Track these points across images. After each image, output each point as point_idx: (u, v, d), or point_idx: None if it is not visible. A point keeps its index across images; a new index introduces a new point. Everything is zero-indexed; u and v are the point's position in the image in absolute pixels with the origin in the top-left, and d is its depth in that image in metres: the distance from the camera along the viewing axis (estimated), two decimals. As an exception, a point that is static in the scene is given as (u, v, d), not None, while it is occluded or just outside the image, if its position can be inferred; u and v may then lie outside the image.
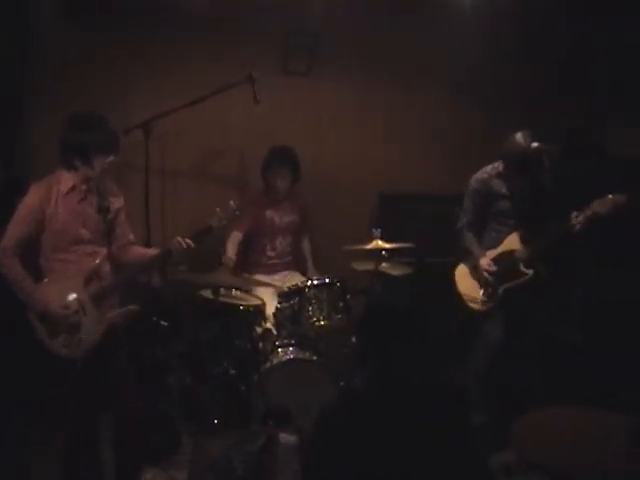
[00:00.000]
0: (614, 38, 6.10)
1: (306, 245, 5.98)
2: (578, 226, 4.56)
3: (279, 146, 5.63)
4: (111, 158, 3.97)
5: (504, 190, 4.84)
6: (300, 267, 5.85)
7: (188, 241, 4.11)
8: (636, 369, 4.92)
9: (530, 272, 4.77)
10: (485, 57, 6.27)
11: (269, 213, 5.66)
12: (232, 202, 4.28)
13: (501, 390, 4.94)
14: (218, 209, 4.22)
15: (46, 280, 3.94)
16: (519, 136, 4.66)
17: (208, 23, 5.89)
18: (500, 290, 4.83)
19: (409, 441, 2.58)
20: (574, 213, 4.58)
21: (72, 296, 3.92)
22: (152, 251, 4.34)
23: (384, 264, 5.20)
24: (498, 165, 4.89)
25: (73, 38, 5.66)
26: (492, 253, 4.90)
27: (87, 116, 3.97)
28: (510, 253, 4.82)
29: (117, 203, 4.18)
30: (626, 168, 5.71)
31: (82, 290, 3.94)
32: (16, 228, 3.88)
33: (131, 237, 4.32)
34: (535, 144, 4.59)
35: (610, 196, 4.51)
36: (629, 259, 5.46)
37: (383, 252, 5.11)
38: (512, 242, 4.84)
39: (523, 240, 4.80)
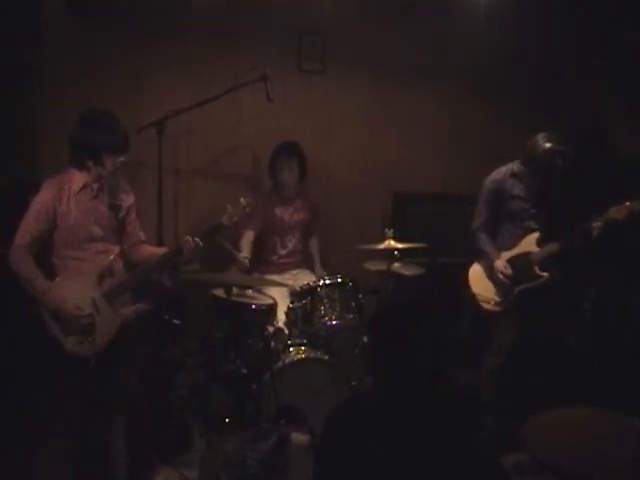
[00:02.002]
0: (614, 38, 6.14)
1: (314, 244, 6.00)
2: (595, 233, 4.56)
3: (285, 142, 5.66)
4: (122, 157, 3.99)
5: (517, 191, 4.83)
6: (309, 265, 5.87)
7: (197, 240, 4.10)
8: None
9: (545, 275, 4.76)
10: (488, 57, 6.33)
11: (279, 211, 5.68)
12: (242, 199, 4.27)
13: (512, 391, 4.94)
14: (229, 206, 4.22)
15: (59, 278, 3.93)
16: (540, 138, 4.66)
17: (221, 22, 5.92)
18: (515, 291, 4.83)
19: (420, 441, 2.57)
20: (592, 220, 4.58)
21: (86, 295, 3.92)
22: (163, 250, 4.33)
23: (396, 264, 5.24)
24: (512, 166, 4.88)
25: (77, 37, 5.67)
26: (507, 254, 4.88)
27: (98, 115, 3.97)
28: (526, 255, 4.81)
29: (128, 201, 4.20)
30: (626, 169, 5.75)
31: (95, 288, 3.96)
32: (28, 226, 3.87)
33: (141, 235, 4.32)
34: (548, 145, 4.60)
35: (627, 203, 4.51)
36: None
37: (395, 252, 5.15)
38: (528, 244, 4.82)
39: (539, 242, 4.80)
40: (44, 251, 3.95)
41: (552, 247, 4.74)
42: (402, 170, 6.49)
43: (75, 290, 3.92)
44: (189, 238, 4.10)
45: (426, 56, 6.34)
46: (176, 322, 5.09)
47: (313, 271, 5.79)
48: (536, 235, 4.82)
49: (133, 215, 4.25)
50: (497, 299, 4.90)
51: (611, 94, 6.22)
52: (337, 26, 6.17)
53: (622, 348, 5.24)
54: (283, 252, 5.71)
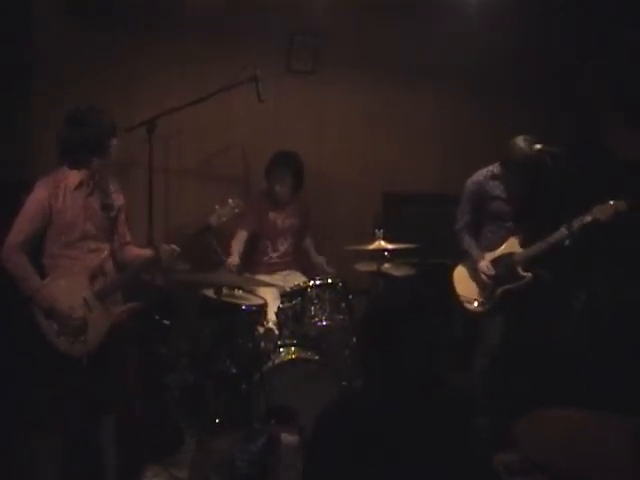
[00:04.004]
0: (614, 38, 6.12)
1: (308, 242, 5.98)
2: (578, 232, 4.55)
3: (283, 151, 5.65)
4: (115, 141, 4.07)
5: (498, 192, 4.85)
6: (302, 265, 5.86)
7: (173, 247, 4.15)
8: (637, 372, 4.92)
9: (528, 275, 4.76)
10: (488, 57, 6.33)
11: (272, 215, 5.69)
12: (231, 200, 4.30)
13: (502, 392, 4.93)
14: (217, 206, 4.25)
15: (50, 277, 3.93)
16: (520, 140, 4.64)
17: (213, 22, 5.91)
18: (497, 292, 4.84)
19: (413, 441, 2.56)
20: (574, 220, 4.57)
21: (77, 294, 3.92)
22: (146, 252, 4.33)
23: (387, 265, 5.23)
24: (493, 167, 4.90)
25: (77, 37, 5.68)
26: (491, 255, 4.90)
27: (86, 111, 4.00)
28: (509, 256, 4.82)
29: (119, 201, 4.22)
30: (626, 169, 5.72)
31: (87, 287, 3.95)
32: (23, 224, 3.87)
33: (128, 237, 4.34)
34: (538, 146, 4.58)
35: (611, 202, 4.50)
36: (632, 262, 5.44)
37: (386, 253, 5.15)
38: (512, 245, 4.84)
39: (523, 243, 4.80)
40: (32, 252, 3.96)
41: (535, 248, 4.74)
42: (402, 170, 6.51)
43: (67, 289, 3.91)
44: (164, 246, 4.16)
45: (426, 56, 6.33)
46: (166, 322, 5.10)
47: (310, 261, 5.83)
48: (520, 236, 4.82)
49: (123, 216, 4.27)
50: (480, 300, 4.91)
51: (611, 94, 6.18)
52: (336, 26, 6.16)
53: (615, 347, 5.22)
54: (274, 255, 5.73)
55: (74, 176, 3.96)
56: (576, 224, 4.55)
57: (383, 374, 2.66)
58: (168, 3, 5.82)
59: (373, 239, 5.06)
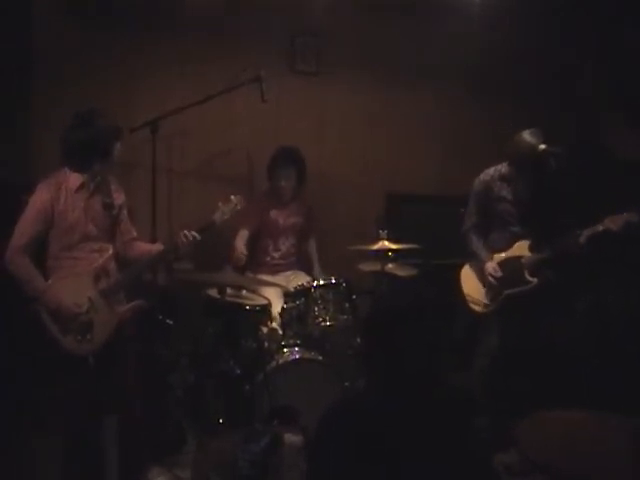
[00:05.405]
0: (614, 38, 6.14)
1: (312, 246, 5.99)
2: (588, 242, 4.51)
3: (286, 146, 5.64)
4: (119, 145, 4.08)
5: (505, 193, 4.80)
6: (305, 267, 5.86)
7: (194, 234, 4.15)
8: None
9: (534, 280, 4.71)
10: (488, 57, 6.35)
11: (273, 214, 5.69)
12: (233, 196, 4.33)
13: (502, 392, 4.93)
14: (220, 203, 4.28)
15: (55, 278, 3.93)
16: (527, 134, 4.60)
17: (213, 22, 5.92)
18: (503, 295, 4.81)
19: (415, 441, 2.57)
20: (584, 228, 4.53)
21: (82, 294, 3.92)
22: (156, 246, 4.36)
23: (390, 265, 5.24)
24: (501, 167, 4.85)
25: (77, 37, 5.68)
26: (499, 257, 4.86)
27: (91, 112, 3.99)
28: (517, 259, 4.77)
29: (120, 199, 4.23)
30: (626, 169, 5.73)
31: (92, 287, 3.96)
32: (26, 227, 3.87)
33: (134, 232, 4.35)
34: (542, 146, 4.55)
35: (624, 214, 4.43)
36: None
37: (389, 253, 5.15)
38: (521, 248, 4.78)
39: (532, 248, 4.76)
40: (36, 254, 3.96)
41: (543, 254, 4.69)
42: (402, 171, 6.50)
43: (72, 289, 3.92)
44: (186, 232, 4.14)
45: (426, 56, 6.34)
46: (169, 322, 5.09)
47: (311, 274, 5.78)
48: (529, 240, 4.78)
49: (125, 212, 4.28)
50: (485, 301, 4.90)
51: (611, 94, 6.20)
52: (336, 27, 6.18)
53: (621, 352, 5.22)
54: (276, 254, 5.73)
55: (75, 178, 3.97)
56: (587, 233, 4.52)
57: (385, 374, 2.67)
58: (168, 3, 5.83)
59: (377, 239, 5.07)
